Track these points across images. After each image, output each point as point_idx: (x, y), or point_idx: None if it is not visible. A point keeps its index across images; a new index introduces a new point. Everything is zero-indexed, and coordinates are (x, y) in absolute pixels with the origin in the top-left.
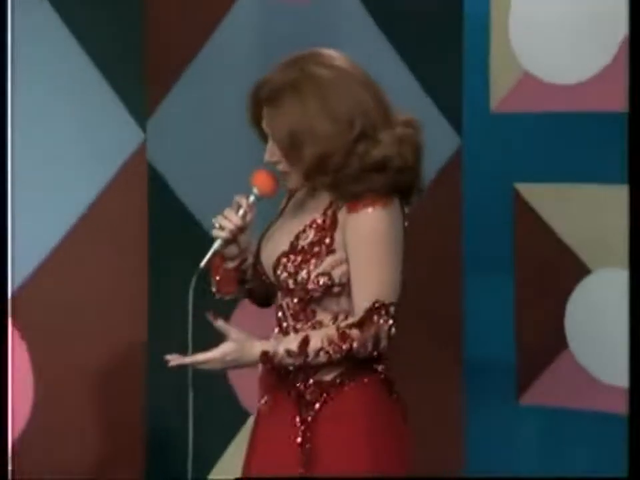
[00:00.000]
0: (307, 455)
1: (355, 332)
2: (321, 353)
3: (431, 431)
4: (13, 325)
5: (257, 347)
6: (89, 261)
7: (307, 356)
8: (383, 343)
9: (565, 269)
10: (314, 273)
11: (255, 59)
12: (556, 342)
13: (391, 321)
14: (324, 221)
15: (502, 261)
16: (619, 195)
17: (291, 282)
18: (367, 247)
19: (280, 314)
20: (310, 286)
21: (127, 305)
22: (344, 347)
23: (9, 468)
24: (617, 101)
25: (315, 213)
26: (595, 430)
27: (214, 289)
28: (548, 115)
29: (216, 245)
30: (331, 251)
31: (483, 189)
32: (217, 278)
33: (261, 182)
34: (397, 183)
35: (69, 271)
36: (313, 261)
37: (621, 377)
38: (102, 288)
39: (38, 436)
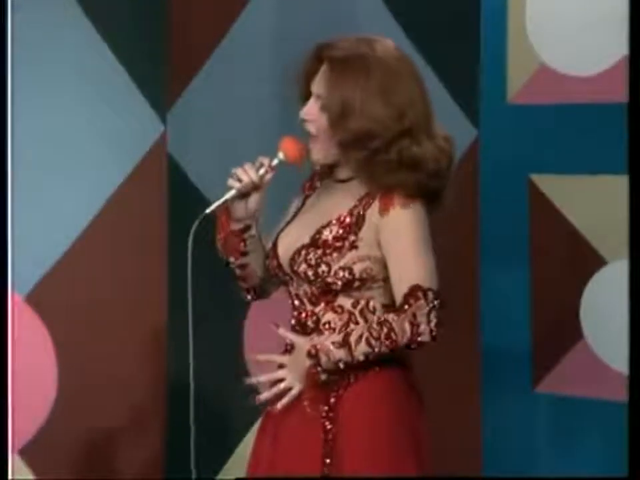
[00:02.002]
0: (330, 436)
1: (391, 316)
2: (362, 340)
3: (447, 418)
4: (37, 316)
5: (307, 344)
6: (109, 252)
7: (350, 346)
8: (422, 327)
9: (580, 260)
10: (335, 267)
11: (275, 50)
12: (571, 332)
13: (430, 305)
14: (350, 219)
15: (518, 252)
16: None
17: (311, 274)
18: (402, 241)
19: (297, 302)
20: (329, 279)
21: (147, 295)
22: (382, 332)
23: (9, 468)
24: None
25: (341, 210)
26: (610, 419)
27: (218, 245)
28: (564, 106)
29: (228, 194)
30: (354, 247)
31: (499, 179)
32: (221, 236)
33: (287, 148)
34: (426, 186)
35: (89, 262)
36: (335, 255)
37: None
38: (122, 279)
39: (61, 424)
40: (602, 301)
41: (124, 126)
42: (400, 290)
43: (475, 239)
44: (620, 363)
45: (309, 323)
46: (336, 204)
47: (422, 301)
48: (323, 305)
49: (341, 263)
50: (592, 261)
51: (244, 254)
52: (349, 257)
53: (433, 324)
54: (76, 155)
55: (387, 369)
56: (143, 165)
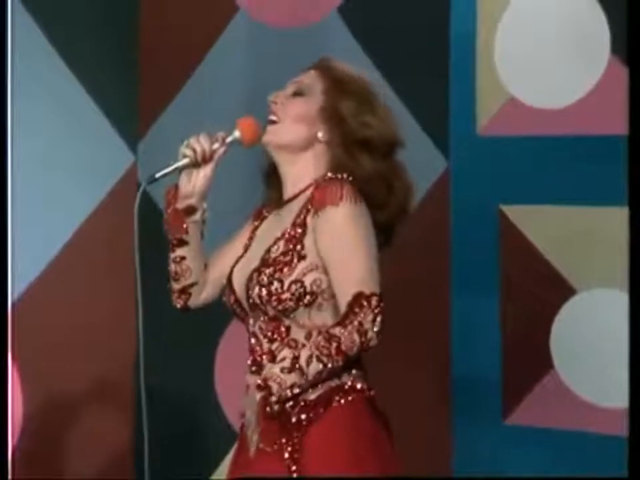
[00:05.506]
0: (295, 475)
1: (338, 329)
2: (313, 360)
3: (417, 450)
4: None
5: (257, 379)
6: (78, 282)
7: (301, 368)
8: (370, 334)
9: (550, 290)
10: (287, 282)
11: (245, 83)
12: (542, 362)
13: (375, 311)
14: (294, 229)
15: (488, 282)
16: (602, 216)
17: (264, 293)
18: (339, 242)
19: (253, 340)
20: (284, 295)
21: (116, 323)
22: (332, 347)
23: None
24: (599, 125)
25: (285, 226)
26: (580, 450)
27: (164, 219)
28: (532, 138)
29: (179, 162)
30: (302, 257)
31: (470, 210)
32: (168, 211)
33: (244, 127)
34: (363, 183)
35: (59, 290)
36: (286, 269)
37: (605, 397)
38: (92, 307)
39: (27, 453)
40: (572, 330)
41: (95, 156)
42: (343, 296)
43: (445, 269)
44: (590, 393)
45: (265, 361)
46: (280, 225)
47: (366, 309)
48: (278, 341)
49: (293, 277)
50: (561, 291)
51: (184, 242)
52: (300, 268)
53: (378, 327)
54: (48, 184)
55: (352, 400)
56: (113, 194)
